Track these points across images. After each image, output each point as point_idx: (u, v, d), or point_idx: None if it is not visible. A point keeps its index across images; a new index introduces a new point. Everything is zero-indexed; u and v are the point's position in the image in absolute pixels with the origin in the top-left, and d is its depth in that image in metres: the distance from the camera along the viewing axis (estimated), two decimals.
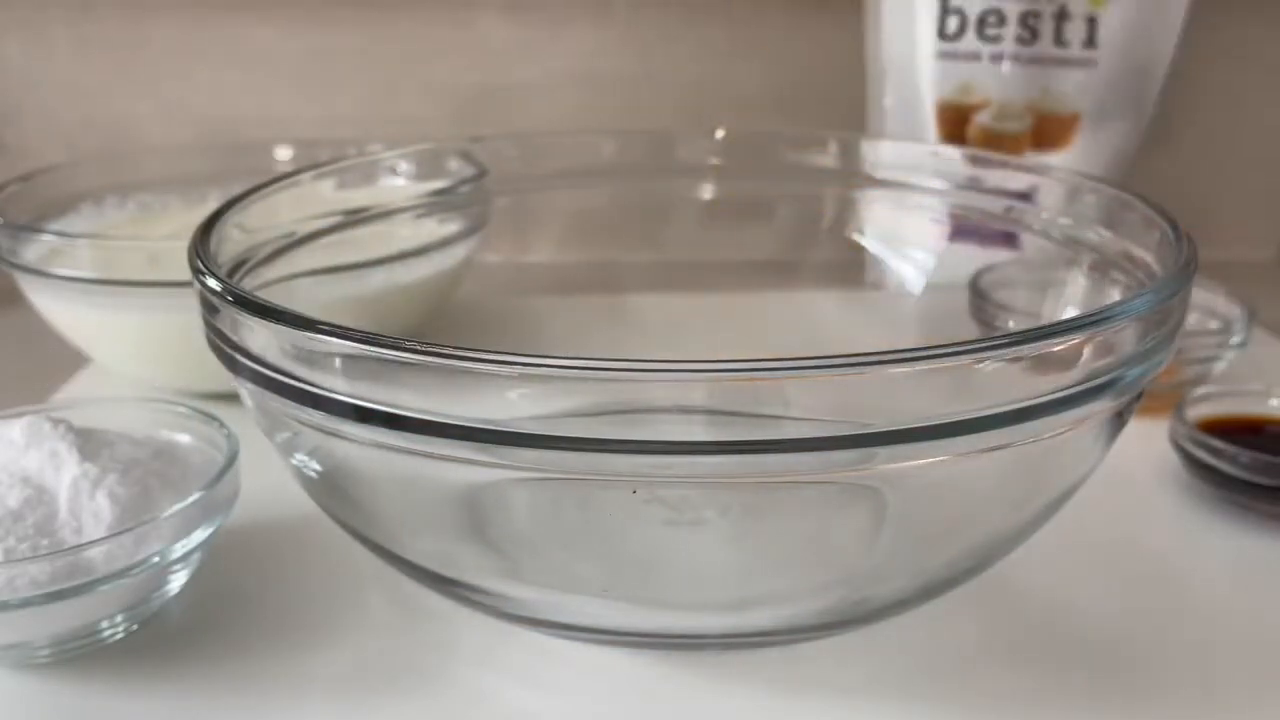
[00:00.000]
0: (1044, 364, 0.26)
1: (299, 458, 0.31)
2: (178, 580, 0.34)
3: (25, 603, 0.30)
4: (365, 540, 0.32)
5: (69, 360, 0.52)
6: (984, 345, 0.25)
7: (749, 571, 0.31)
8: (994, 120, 0.58)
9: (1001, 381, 0.26)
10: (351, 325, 0.26)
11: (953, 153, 0.45)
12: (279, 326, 0.27)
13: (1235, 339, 0.46)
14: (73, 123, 0.70)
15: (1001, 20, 0.57)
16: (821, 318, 0.50)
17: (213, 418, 0.37)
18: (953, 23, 0.58)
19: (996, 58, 0.58)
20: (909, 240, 0.48)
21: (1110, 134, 0.59)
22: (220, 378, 0.31)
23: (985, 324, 0.45)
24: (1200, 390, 0.43)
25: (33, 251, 0.48)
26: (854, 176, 0.48)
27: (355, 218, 0.44)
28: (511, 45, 0.69)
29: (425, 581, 0.32)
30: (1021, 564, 0.36)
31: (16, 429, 0.34)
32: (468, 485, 0.30)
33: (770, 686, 0.31)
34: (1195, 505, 0.40)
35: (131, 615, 0.33)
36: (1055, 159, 0.58)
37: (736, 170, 0.49)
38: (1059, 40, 0.57)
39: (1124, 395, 0.28)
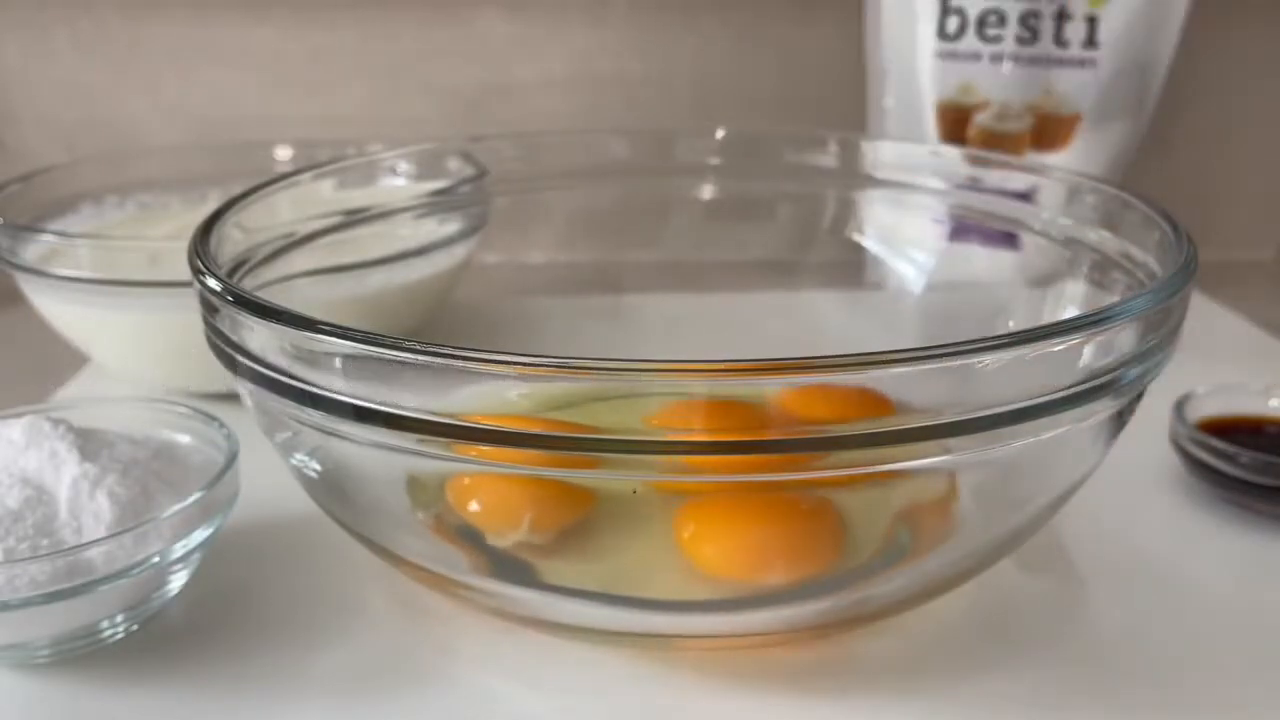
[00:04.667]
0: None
1: (299, 458, 0.31)
2: (178, 580, 0.34)
3: (25, 603, 0.30)
4: (365, 540, 0.32)
5: (69, 360, 0.52)
6: (984, 345, 0.25)
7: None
8: (994, 120, 0.58)
9: (1001, 381, 0.26)
10: (351, 325, 0.26)
11: (953, 153, 0.45)
12: (279, 326, 0.27)
13: None
14: (73, 123, 0.70)
15: (1001, 20, 0.57)
16: (821, 318, 0.50)
17: (213, 418, 0.37)
18: (953, 23, 0.58)
19: (997, 58, 0.58)
20: (909, 240, 0.48)
21: (1110, 134, 0.59)
22: (220, 378, 0.31)
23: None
24: (1200, 390, 0.43)
25: (33, 251, 0.48)
26: (854, 176, 0.48)
27: (355, 218, 0.44)
28: (511, 45, 0.69)
29: (425, 581, 0.32)
30: (1022, 563, 0.36)
31: (16, 429, 0.34)
32: None
33: (770, 686, 0.31)
34: (1195, 505, 0.40)
35: (131, 615, 0.33)
36: (1055, 159, 0.58)
37: (736, 170, 0.49)
38: (1059, 40, 0.57)
39: (1124, 395, 0.28)
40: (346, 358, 0.26)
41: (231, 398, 0.34)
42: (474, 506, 0.31)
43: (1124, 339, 0.27)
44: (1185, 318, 0.30)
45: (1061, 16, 0.57)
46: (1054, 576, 0.36)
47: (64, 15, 0.68)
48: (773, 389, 0.26)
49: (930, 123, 0.59)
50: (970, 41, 0.58)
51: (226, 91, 0.70)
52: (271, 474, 0.35)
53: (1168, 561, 0.37)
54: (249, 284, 0.36)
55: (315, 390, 0.27)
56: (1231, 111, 0.72)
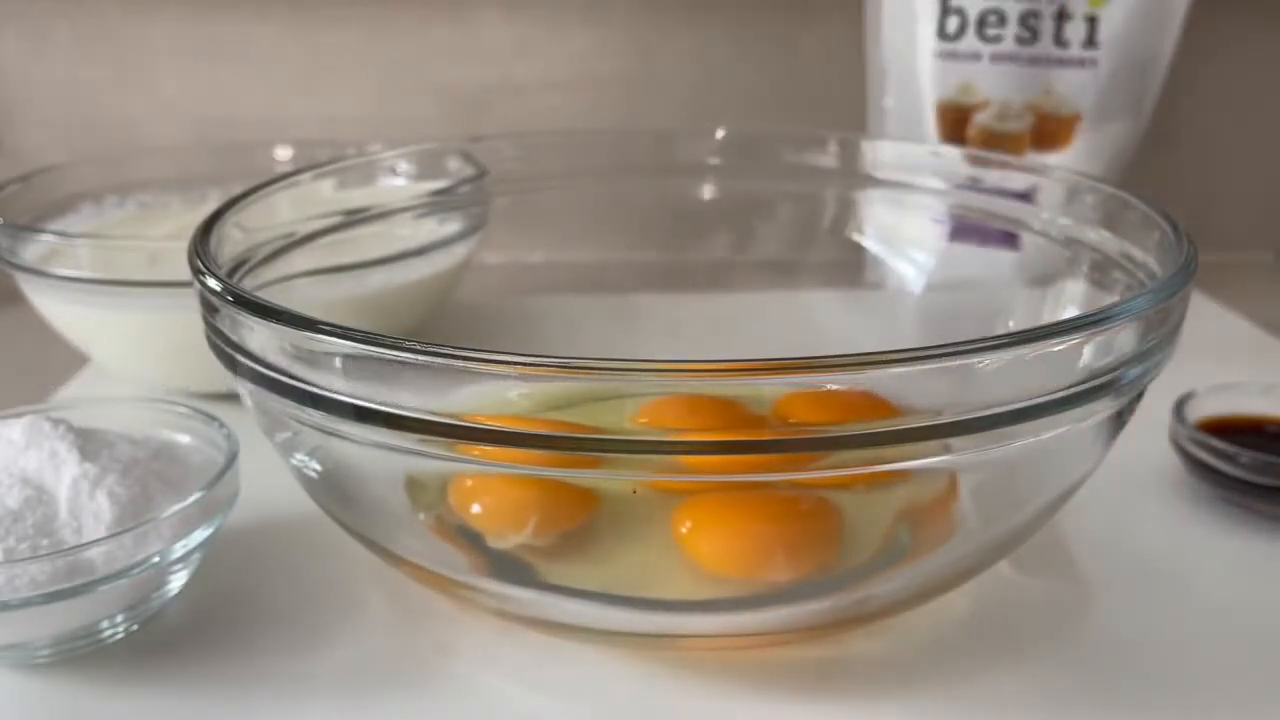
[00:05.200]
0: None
1: (299, 458, 0.31)
2: (178, 580, 0.34)
3: (25, 603, 0.30)
4: (365, 540, 0.32)
5: (69, 360, 0.52)
6: (984, 345, 0.25)
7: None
8: (994, 120, 0.58)
9: (1001, 381, 0.26)
10: (351, 325, 0.26)
11: (953, 153, 0.45)
12: (279, 326, 0.27)
13: None
14: (73, 123, 0.70)
15: (1001, 20, 0.57)
16: (821, 318, 0.50)
17: (213, 418, 0.37)
18: (953, 23, 0.58)
19: (997, 58, 0.58)
20: (909, 240, 0.48)
21: (1110, 134, 0.59)
22: (220, 378, 0.31)
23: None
24: (1200, 390, 0.43)
25: (33, 251, 0.48)
26: (854, 176, 0.48)
27: (355, 218, 0.44)
28: (511, 45, 0.69)
29: (425, 581, 0.32)
30: (1022, 564, 0.36)
31: (16, 429, 0.34)
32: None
33: (770, 686, 0.31)
34: (1195, 505, 0.40)
35: (131, 615, 0.33)
36: (1055, 159, 0.58)
37: (736, 170, 0.49)
38: (1059, 40, 0.57)
39: (1124, 395, 0.28)
40: (346, 358, 0.26)
41: (231, 398, 0.34)
42: (476, 509, 0.31)
43: (1124, 339, 0.27)
44: (1185, 318, 0.30)
45: (1061, 16, 0.57)
46: (1054, 577, 0.36)
47: (64, 14, 0.68)
48: (771, 391, 0.26)
49: (930, 123, 0.59)
50: (970, 41, 0.58)
51: (226, 91, 0.70)
52: (271, 474, 0.35)
53: (1168, 561, 0.37)
54: (249, 284, 0.36)
55: (315, 390, 0.27)
56: (1231, 111, 0.72)
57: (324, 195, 0.43)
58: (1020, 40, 0.57)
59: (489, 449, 0.26)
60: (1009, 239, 0.44)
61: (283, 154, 0.60)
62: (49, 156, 0.63)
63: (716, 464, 0.27)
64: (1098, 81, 0.57)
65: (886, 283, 0.49)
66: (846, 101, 0.64)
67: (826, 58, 0.68)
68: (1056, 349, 0.26)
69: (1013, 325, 0.44)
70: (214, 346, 0.31)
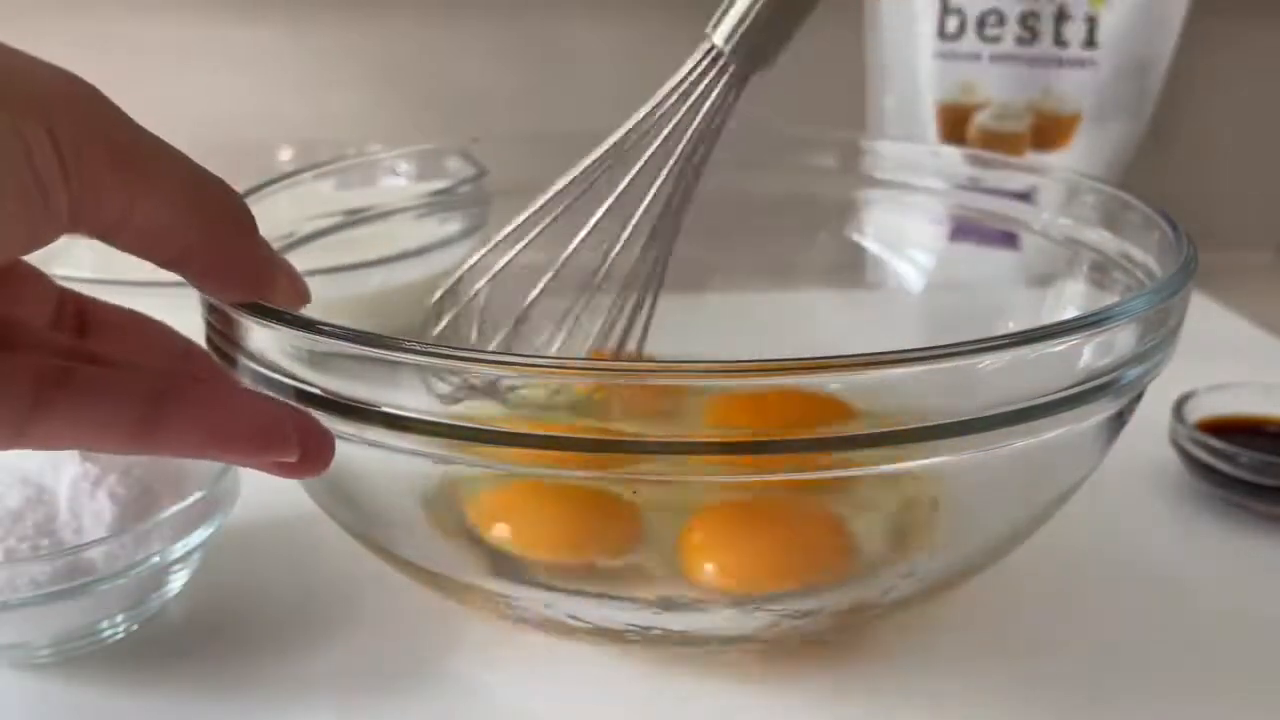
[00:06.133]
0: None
1: None
2: (178, 580, 0.34)
3: (25, 603, 0.30)
4: (366, 541, 0.32)
5: None
6: (984, 345, 0.25)
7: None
8: (994, 120, 0.58)
9: (1001, 382, 0.26)
10: (351, 325, 0.26)
11: (953, 153, 0.45)
12: (279, 326, 0.27)
13: None
14: None
15: (1001, 20, 0.57)
16: (821, 318, 0.50)
17: None
18: (953, 23, 0.58)
19: (996, 58, 0.58)
20: (909, 240, 0.48)
21: (1110, 134, 0.59)
22: None
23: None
24: (1200, 390, 0.43)
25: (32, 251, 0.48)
26: (854, 176, 0.47)
27: (355, 218, 0.44)
28: (513, 45, 0.69)
29: (425, 582, 0.32)
30: (1022, 564, 0.36)
31: None
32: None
33: (771, 686, 0.31)
34: (1195, 505, 0.40)
35: (131, 615, 0.33)
36: (1055, 159, 0.58)
37: (736, 170, 0.49)
38: (1059, 40, 0.57)
39: (1123, 396, 0.28)
40: (346, 358, 0.26)
41: None
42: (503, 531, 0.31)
43: (1123, 339, 0.27)
44: (1185, 318, 0.30)
45: (1061, 16, 0.57)
46: (1054, 576, 0.36)
47: (61, 15, 0.68)
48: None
49: (930, 123, 0.59)
50: (970, 41, 0.58)
51: (226, 91, 0.69)
52: None
53: (1168, 561, 0.37)
54: None
55: (315, 390, 0.27)
56: (1231, 111, 0.72)
57: (324, 195, 0.43)
58: (1020, 40, 0.57)
59: (488, 449, 0.26)
60: (1009, 239, 0.44)
61: (283, 154, 0.59)
62: None
63: (718, 463, 0.27)
64: (1097, 81, 0.57)
65: (886, 283, 0.49)
66: (846, 101, 0.64)
67: (826, 58, 0.68)
68: (1056, 349, 0.26)
69: (1013, 325, 0.44)
70: (214, 346, 0.31)
